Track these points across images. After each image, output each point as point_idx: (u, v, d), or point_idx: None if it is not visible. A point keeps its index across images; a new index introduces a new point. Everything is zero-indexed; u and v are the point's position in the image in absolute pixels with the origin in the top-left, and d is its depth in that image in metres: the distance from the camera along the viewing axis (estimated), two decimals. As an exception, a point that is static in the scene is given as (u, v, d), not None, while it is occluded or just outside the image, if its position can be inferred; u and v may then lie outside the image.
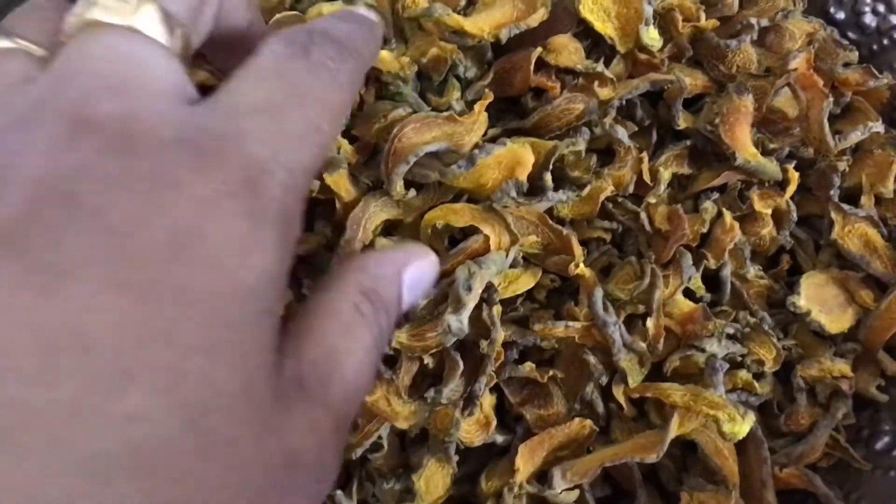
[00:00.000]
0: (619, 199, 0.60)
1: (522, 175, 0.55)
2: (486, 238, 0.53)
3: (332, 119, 0.35)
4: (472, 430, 0.55)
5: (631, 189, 0.60)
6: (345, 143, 0.56)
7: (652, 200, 0.60)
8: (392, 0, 0.59)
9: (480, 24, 0.56)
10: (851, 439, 0.59)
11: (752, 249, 0.62)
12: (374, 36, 0.41)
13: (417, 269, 0.40)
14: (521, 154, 0.55)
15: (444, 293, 0.53)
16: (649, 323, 0.55)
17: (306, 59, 0.35)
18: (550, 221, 0.57)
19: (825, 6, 0.69)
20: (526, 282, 0.57)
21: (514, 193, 0.54)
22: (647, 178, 0.60)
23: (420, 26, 0.58)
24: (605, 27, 0.60)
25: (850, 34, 0.68)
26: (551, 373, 0.55)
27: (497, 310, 0.53)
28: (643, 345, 0.55)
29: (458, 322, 0.50)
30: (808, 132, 0.61)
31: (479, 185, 0.54)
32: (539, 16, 0.57)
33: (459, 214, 0.54)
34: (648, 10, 0.58)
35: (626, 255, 0.61)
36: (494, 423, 0.55)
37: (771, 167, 0.60)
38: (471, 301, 0.51)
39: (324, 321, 0.34)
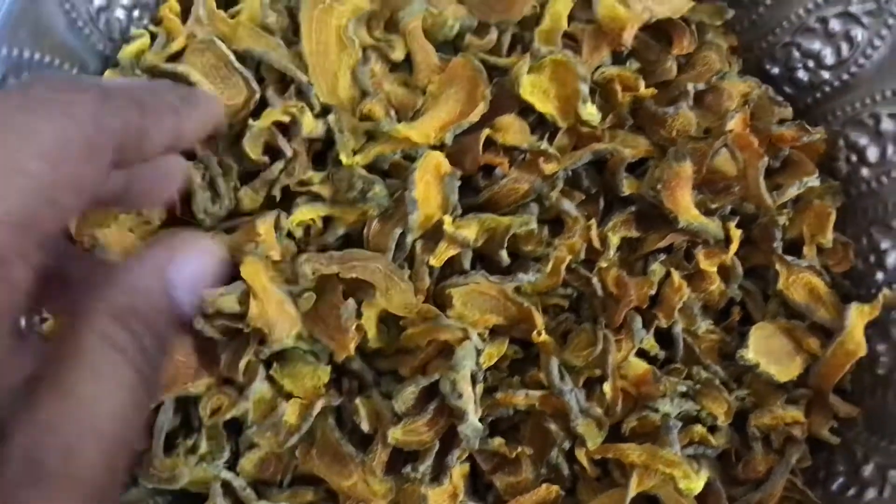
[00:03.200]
0: (573, 266, 0.64)
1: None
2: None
3: None
4: (441, 501, 0.59)
5: (583, 255, 0.64)
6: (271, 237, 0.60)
7: (603, 265, 0.65)
8: (353, 106, 0.63)
9: (426, 130, 0.62)
10: (809, 481, 0.64)
11: (703, 304, 0.66)
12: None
13: (188, 262, 0.35)
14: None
15: (426, 389, 0.58)
16: (605, 387, 0.60)
17: None
18: (511, 295, 0.61)
19: (760, 63, 0.74)
20: (491, 356, 0.61)
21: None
22: (596, 244, 0.64)
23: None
24: (546, 107, 0.64)
25: (786, 89, 0.73)
26: (519, 449, 0.59)
27: (480, 390, 0.58)
28: (599, 410, 0.59)
29: (471, 427, 0.56)
30: (747, 190, 0.65)
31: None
32: (480, 110, 0.62)
33: (422, 335, 0.59)
34: (585, 89, 0.63)
35: (582, 319, 0.65)
36: (462, 493, 0.59)
37: (713, 227, 0.64)
38: (469, 403, 0.56)
39: (66, 369, 0.29)
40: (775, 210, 0.66)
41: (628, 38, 0.67)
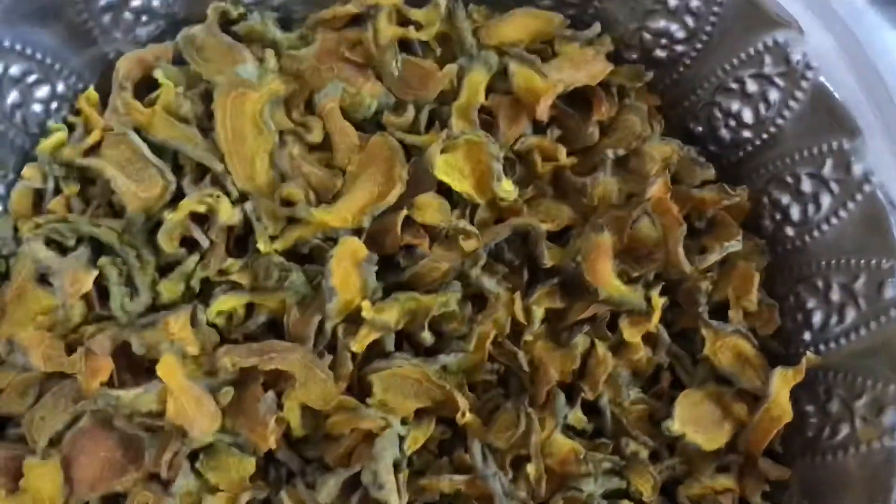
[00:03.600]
0: (500, 340, 0.64)
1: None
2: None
3: None
4: None
5: (508, 329, 0.64)
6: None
7: (529, 338, 0.65)
8: (272, 190, 0.63)
9: (344, 214, 0.62)
10: (743, 549, 0.63)
11: (632, 372, 0.66)
12: None
13: None
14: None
15: (350, 479, 0.58)
16: (529, 468, 0.60)
17: None
18: (434, 378, 0.61)
19: (684, 122, 0.74)
20: (417, 439, 0.61)
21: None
22: (520, 318, 0.64)
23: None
24: (462, 185, 0.65)
25: (711, 147, 0.73)
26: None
27: (404, 477, 0.58)
28: (523, 494, 0.59)
29: None
30: (667, 257, 0.66)
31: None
32: (397, 191, 0.63)
33: (344, 424, 0.60)
34: (498, 168, 0.63)
35: (511, 393, 0.65)
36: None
37: (634, 297, 0.64)
38: (392, 494, 0.57)
39: None
40: (698, 274, 0.66)
41: (543, 110, 0.67)
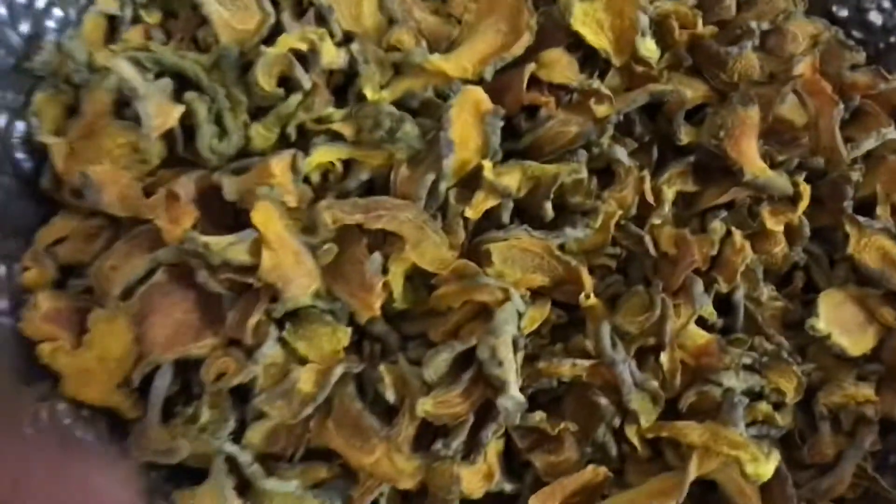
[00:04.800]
0: (623, 223, 0.58)
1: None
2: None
3: None
4: (474, 481, 0.53)
5: (634, 211, 0.58)
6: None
7: (656, 222, 0.58)
8: (379, 35, 0.56)
9: (463, 63, 0.56)
10: (878, 467, 0.57)
11: (764, 268, 0.60)
12: None
13: None
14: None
15: (461, 356, 0.52)
16: (663, 358, 0.54)
17: None
18: (558, 253, 0.55)
19: (827, 5, 0.68)
20: (534, 319, 0.55)
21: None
22: (649, 198, 0.58)
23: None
24: (599, 40, 0.58)
25: (855, 33, 0.67)
26: (563, 425, 0.52)
27: (520, 358, 0.51)
28: (655, 383, 0.53)
29: (512, 400, 0.50)
30: (817, 142, 0.60)
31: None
32: (524, 41, 0.56)
33: (457, 296, 0.53)
34: (644, 21, 0.56)
35: (632, 282, 0.58)
36: (498, 473, 0.53)
37: (781, 182, 0.58)
38: (511, 373, 0.50)
39: None
40: (848, 164, 0.59)
41: (690, -33, 0.60)
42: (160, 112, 0.53)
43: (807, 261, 0.61)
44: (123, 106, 0.56)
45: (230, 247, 0.51)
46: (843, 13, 0.67)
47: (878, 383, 0.58)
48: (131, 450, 0.54)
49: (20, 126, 0.57)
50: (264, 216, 0.51)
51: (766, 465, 0.50)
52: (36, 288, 0.55)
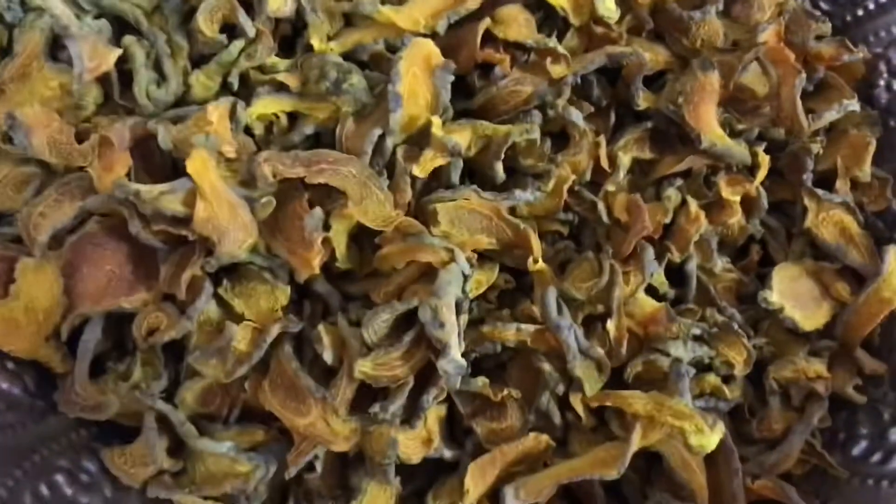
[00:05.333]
0: (576, 188, 0.56)
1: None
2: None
3: None
4: (412, 446, 0.51)
5: (588, 176, 0.56)
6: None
7: (611, 188, 0.57)
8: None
9: (415, 15, 0.54)
10: (827, 444, 0.57)
11: (719, 240, 0.59)
12: None
13: None
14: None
15: (402, 317, 0.50)
16: (610, 325, 0.52)
17: None
18: (507, 216, 0.53)
19: (795, -27, 0.65)
20: (479, 283, 0.53)
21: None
22: (604, 164, 0.57)
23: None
24: (558, -2, 0.55)
25: (823, 4, 0.66)
26: (505, 391, 0.51)
27: (464, 321, 0.50)
28: (601, 350, 0.51)
29: (453, 363, 0.48)
30: (779, 111, 0.58)
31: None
32: (480, -6, 0.53)
33: (400, 255, 0.52)
34: (604, -22, 0.54)
35: (583, 248, 0.57)
36: (438, 439, 0.51)
37: (739, 150, 0.56)
38: (452, 335, 0.48)
39: None
40: (809, 136, 0.58)
41: (655, -75, 0.58)
42: (95, 54, 0.51)
43: (763, 233, 0.61)
44: (58, 48, 0.54)
45: (162, 196, 0.49)
46: (811, -17, 0.66)
47: (830, 359, 0.57)
48: (59, 404, 0.52)
49: (-53, 66, 0.54)
50: (199, 165, 0.49)
51: (710, 437, 0.49)
52: (-39, 235, 0.53)
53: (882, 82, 0.63)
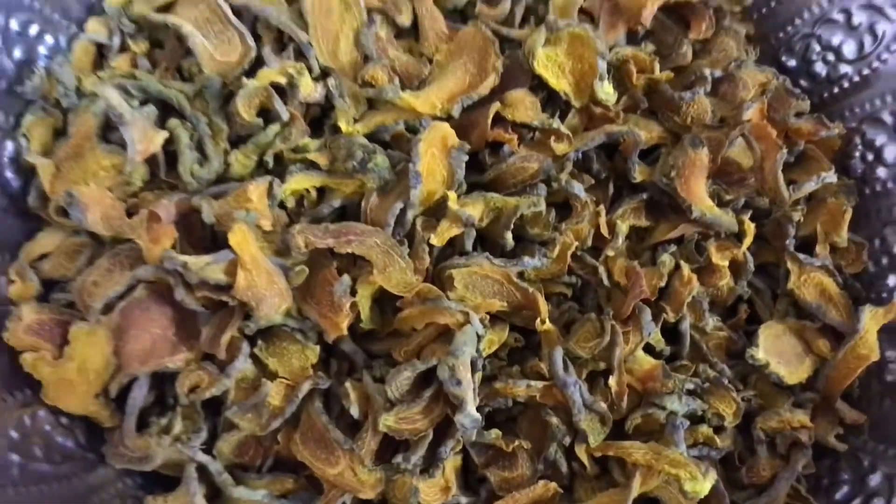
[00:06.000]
0: (579, 253, 0.62)
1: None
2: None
3: None
4: (432, 494, 0.56)
5: (589, 242, 0.62)
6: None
7: (610, 253, 0.62)
8: (355, 71, 0.60)
9: (433, 100, 0.60)
10: (812, 489, 0.62)
11: (710, 301, 0.64)
12: None
13: None
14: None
15: (422, 375, 0.55)
16: (612, 381, 0.57)
17: None
18: (516, 280, 0.58)
19: (777, 54, 0.72)
20: (492, 343, 0.58)
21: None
22: (604, 231, 0.62)
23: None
24: (560, 83, 0.62)
25: (802, 82, 0.72)
26: (517, 442, 0.56)
27: (478, 378, 0.55)
28: (604, 405, 0.57)
29: (469, 418, 0.53)
30: (762, 183, 0.64)
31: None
32: (490, 82, 0.60)
33: (420, 318, 0.57)
34: (602, 66, 0.61)
35: (586, 309, 0.62)
36: (455, 487, 0.56)
37: (727, 219, 0.62)
38: (468, 391, 0.53)
39: None
40: (790, 206, 0.64)
41: (648, 16, 0.65)
42: (144, 137, 0.57)
43: (751, 294, 0.66)
44: (109, 129, 0.60)
45: (207, 266, 0.54)
46: (791, 63, 0.72)
47: (813, 411, 0.62)
48: (107, 456, 0.57)
49: (9, 146, 0.60)
50: (240, 239, 0.54)
51: (704, 484, 0.54)
52: (20, 300, 0.58)
53: (857, 154, 0.68)
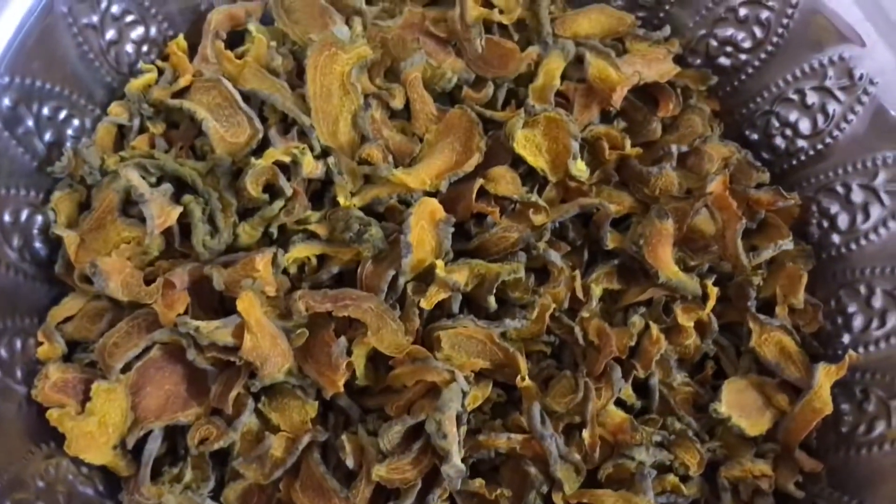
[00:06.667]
0: (556, 315, 0.67)
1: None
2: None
3: None
4: (419, 539, 0.61)
5: (566, 305, 0.68)
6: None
7: (585, 315, 0.68)
8: (352, 150, 0.66)
9: (423, 177, 0.66)
10: (774, 534, 0.66)
11: (678, 357, 0.69)
12: None
13: None
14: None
15: (412, 429, 0.61)
16: (585, 434, 0.63)
17: None
18: (498, 340, 0.64)
19: (740, 128, 0.78)
20: (476, 398, 0.64)
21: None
22: (580, 294, 0.68)
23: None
24: (538, 161, 0.68)
25: (764, 154, 0.78)
26: (499, 490, 0.61)
27: (463, 431, 0.60)
28: (578, 456, 0.62)
29: (455, 468, 0.58)
30: (724, 250, 0.70)
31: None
32: (475, 160, 0.66)
33: (410, 375, 0.63)
34: (575, 146, 0.67)
35: (564, 366, 0.68)
36: (441, 533, 0.61)
37: (691, 284, 0.68)
38: (454, 444, 0.59)
39: None
40: (751, 270, 0.70)
41: (618, 98, 0.71)
42: (162, 213, 0.63)
43: (716, 351, 0.71)
44: (128, 204, 0.66)
45: (217, 330, 0.60)
46: (754, 137, 0.78)
47: (774, 460, 0.68)
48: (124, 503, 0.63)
49: (39, 219, 0.66)
50: (247, 305, 0.60)
51: (670, 529, 0.59)
52: (47, 360, 0.64)
53: (814, 221, 0.74)
